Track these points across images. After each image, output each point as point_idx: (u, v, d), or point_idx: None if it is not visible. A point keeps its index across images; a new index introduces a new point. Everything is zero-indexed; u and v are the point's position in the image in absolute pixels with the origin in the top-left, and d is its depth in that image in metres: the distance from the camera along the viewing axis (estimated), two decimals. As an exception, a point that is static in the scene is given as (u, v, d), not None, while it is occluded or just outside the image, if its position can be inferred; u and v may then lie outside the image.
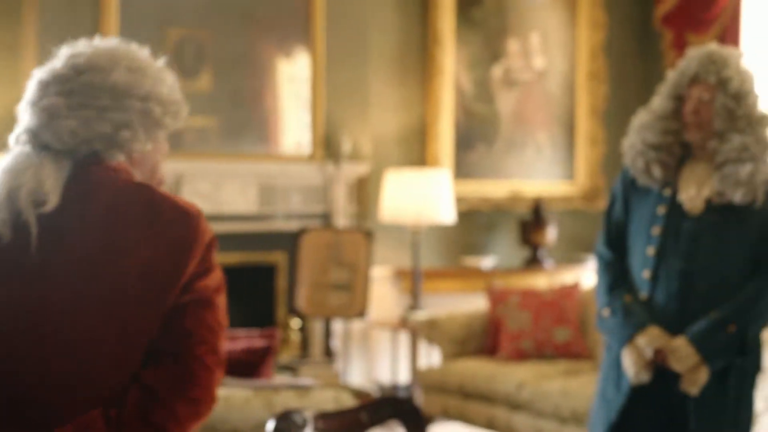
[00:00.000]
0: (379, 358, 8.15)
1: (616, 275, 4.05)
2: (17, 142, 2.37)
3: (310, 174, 7.94)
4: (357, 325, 7.96)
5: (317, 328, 7.92)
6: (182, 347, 2.31)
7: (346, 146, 7.95)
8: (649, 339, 3.83)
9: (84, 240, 2.28)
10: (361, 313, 7.18)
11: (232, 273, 7.80)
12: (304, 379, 5.83)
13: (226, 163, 7.61)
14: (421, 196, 7.50)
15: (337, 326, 7.76)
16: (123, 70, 2.36)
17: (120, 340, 2.27)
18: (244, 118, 7.73)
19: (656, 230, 3.92)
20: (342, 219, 7.95)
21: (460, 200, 8.41)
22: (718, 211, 3.87)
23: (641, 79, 9.28)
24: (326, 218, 8.00)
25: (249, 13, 7.69)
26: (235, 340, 4.79)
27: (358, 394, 6.16)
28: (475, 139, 8.78)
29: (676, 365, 3.78)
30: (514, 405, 6.20)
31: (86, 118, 2.31)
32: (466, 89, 8.70)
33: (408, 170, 7.80)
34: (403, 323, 7.63)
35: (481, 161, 8.80)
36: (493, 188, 8.80)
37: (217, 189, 7.60)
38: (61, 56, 2.39)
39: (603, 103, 9.28)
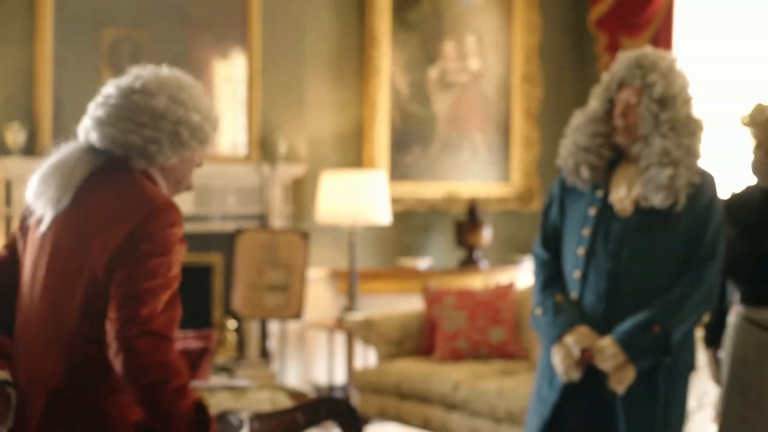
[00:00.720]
0: (316, 359, 8.16)
1: (550, 275, 4.10)
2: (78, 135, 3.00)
3: (247, 175, 7.93)
4: (293, 325, 7.96)
5: (253, 329, 7.91)
6: None
7: (282, 147, 7.95)
8: (577, 338, 3.89)
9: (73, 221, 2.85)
10: (297, 314, 7.19)
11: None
12: (241, 380, 5.83)
13: (162, 164, 7.58)
14: (358, 197, 7.52)
15: (274, 327, 7.77)
16: (165, 97, 2.90)
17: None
18: (180, 118, 7.70)
19: (587, 231, 3.97)
20: (278, 220, 7.95)
21: (396, 201, 8.44)
22: (646, 213, 3.91)
23: (576, 81, 9.36)
24: (262, 219, 7.99)
25: (185, 13, 7.66)
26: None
27: (294, 394, 6.17)
28: (412, 141, 8.81)
29: (602, 364, 3.83)
30: (450, 405, 6.23)
31: (125, 129, 2.88)
32: (403, 91, 8.74)
33: (344, 171, 7.82)
34: (340, 324, 7.65)
35: (418, 162, 8.83)
36: (429, 189, 8.84)
37: (153, 190, 7.57)
38: (129, 74, 2.97)
39: (538, 105, 9.35)
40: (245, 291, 7.28)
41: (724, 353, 4.23)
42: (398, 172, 8.72)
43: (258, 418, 3.12)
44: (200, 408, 2.75)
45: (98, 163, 2.92)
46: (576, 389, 3.96)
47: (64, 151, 2.96)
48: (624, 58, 3.99)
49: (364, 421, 6.66)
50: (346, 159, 8.36)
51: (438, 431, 6.30)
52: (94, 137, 2.93)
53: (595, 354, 3.85)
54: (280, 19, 8.08)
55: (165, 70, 3.01)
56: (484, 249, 8.83)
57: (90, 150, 2.94)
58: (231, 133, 7.95)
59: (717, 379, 4.34)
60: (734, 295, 4.23)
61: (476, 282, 8.38)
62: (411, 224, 8.86)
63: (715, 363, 4.33)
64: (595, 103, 4.04)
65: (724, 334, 4.26)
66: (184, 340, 5.28)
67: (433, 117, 8.90)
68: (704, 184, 3.92)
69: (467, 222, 8.74)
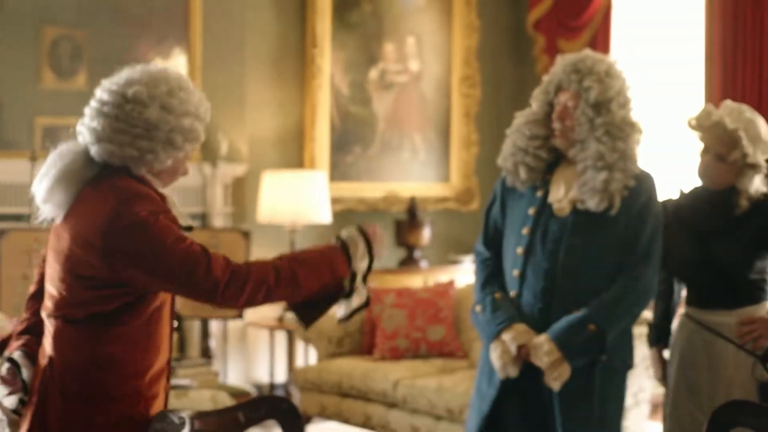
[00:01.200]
0: (257, 358, 8.17)
1: (490, 273, 4.14)
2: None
3: (188, 174, 7.91)
4: (234, 325, 7.97)
5: (194, 328, 7.90)
6: None
7: (223, 147, 7.96)
8: (514, 335, 3.94)
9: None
10: (238, 313, 7.19)
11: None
12: (182, 380, 5.83)
13: (103, 163, 7.56)
14: (298, 197, 7.54)
15: (215, 326, 7.77)
16: (157, 107, 3.05)
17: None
18: (122, 118, 7.68)
19: (525, 230, 4.02)
20: (219, 219, 7.95)
21: (336, 201, 8.47)
22: (583, 213, 3.96)
23: (514, 83, 9.44)
24: (204, 219, 8.00)
25: (126, 12, 7.64)
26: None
27: (235, 393, 6.19)
28: (352, 141, 8.84)
29: (538, 361, 3.88)
30: (390, 403, 6.27)
31: (121, 142, 3.04)
32: (343, 91, 8.77)
33: (285, 171, 7.84)
34: (280, 323, 7.66)
35: (358, 163, 8.86)
36: (369, 189, 8.88)
37: (93, 189, 7.55)
38: (120, 76, 3.16)
39: (476, 107, 9.42)
40: (186, 290, 7.27)
41: (669, 353, 4.25)
42: (338, 172, 8.75)
43: (199, 417, 3.11)
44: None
45: (96, 170, 3.10)
46: (514, 385, 4.01)
47: (66, 156, 3.12)
48: (562, 62, 4.04)
49: (305, 419, 6.68)
50: (287, 159, 8.38)
51: (378, 429, 6.34)
52: (93, 151, 3.08)
53: (531, 351, 3.90)
54: (220, 19, 8.08)
55: (154, 71, 3.14)
56: (423, 249, 8.87)
57: (90, 161, 3.10)
58: (172, 132, 7.93)
59: (661, 377, 4.35)
60: (680, 295, 4.27)
61: (416, 281, 8.42)
62: (351, 224, 8.85)
63: (660, 362, 4.34)
64: (534, 105, 4.09)
65: (670, 333, 4.28)
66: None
67: (373, 117, 8.94)
68: (641, 185, 3.97)
69: (407, 222, 8.78)
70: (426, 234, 8.78)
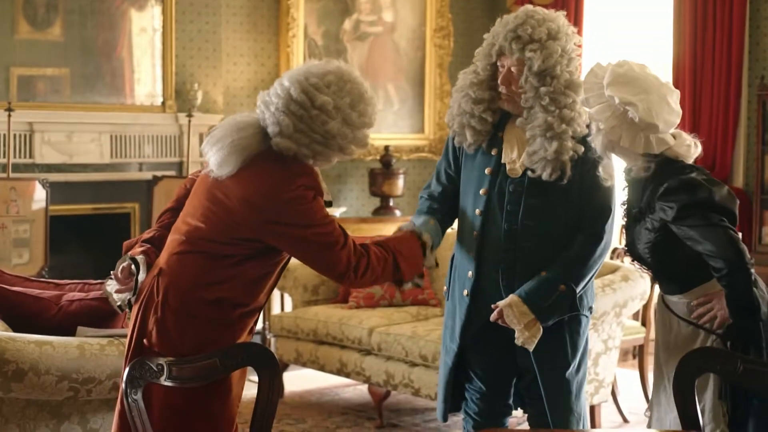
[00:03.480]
0: (233, 306, 8.22)
1: (430, 207, 4.12)
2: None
3: (163, 124, 7.95)
4: (211, 273, 8.01)
5: (171, 277, 7.96)
6: None
7: (198, 97, 7.98)
8: (414, 227, 3.97)
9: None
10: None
11: (86, 222, 7.82)
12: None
13: (79, 114, 7.58)
14: (274, 147, 7.56)
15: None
16: (339, 120, 3.41)
17: None
18: (96, 68, 7.69)
19: (483, 191, 3.98)
20: (195, 168, 7.99)
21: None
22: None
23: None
24: (180, 167, 8.04)
25: (100, -37, 7.64)
26: (89, 290, 4.82)
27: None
28: (327, 91, 8.86)
29: (511, 323, 3.86)
30: (365, 350, 6.35)
31: (299, 142, 3.38)
32: (317, 42, 8.78)
33: (260, 121, 7.86)
34: (257, 271, 7.71)
35: (333, 112, 8.89)
36: (344, 139, 8.91)
37: (70, 139, 7.57)
38: (314, 73, 3.45)
39: (450, 57, 9.45)
40: (163, 240, 7.32)
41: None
42: (314, 122, 8.77)
43: (177, 363, 3.17)
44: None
45: (268, 144, 3.42)
46: (477, 337, 4.06)
47: (244, 129, 3.44)
48: (503, 24, 3.93)
49: (282, 366, 6.76)
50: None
51: (353, 375, 6.41)
52: (272, 141, 3.40)
53: (504, 310, 3.87)
54: (195, -31, 8.09)
55: (344, 77, 3.45)
56: (397, 198, 8.93)
57: (264, 138, 3.42)
58: (147, 83, 7.95)
59: None
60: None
61: (390, 230, 8.45)
62: (325, 173, 8.91)
63: None
64: (478, 66, 4.01)
65: None
66: (103, 288, 5.33)
67: (347, 68, 8.95)
68: (590, 147, 3.89)
69: (381, 171, 8.84)
70: (400, 183, 8.84)
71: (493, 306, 3.91)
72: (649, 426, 4.01)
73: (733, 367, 3.22)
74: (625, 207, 3.91)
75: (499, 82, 3.93)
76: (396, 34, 9.24)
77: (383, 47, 9.17)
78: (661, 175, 3.70)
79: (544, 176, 3.87)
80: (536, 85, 3.85)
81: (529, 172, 3.92)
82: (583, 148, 3.86)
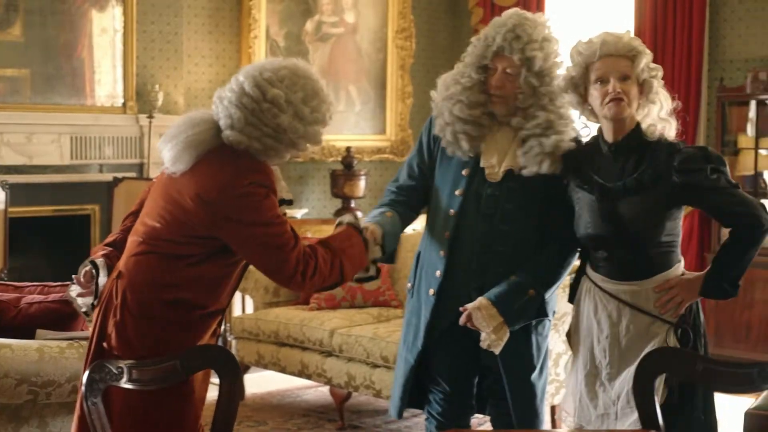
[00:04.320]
0: (194, 308, 8.20)
1: (393, 200, 4.11)
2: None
3: (124, 125, 7.92)
4: (172, 275, 7.98)
5: (132, 278, 7.93)
6: None
7: (159, 98, 7.96)
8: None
9: None
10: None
11: (46, 224, 7.77)
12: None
13: (39, 115, 7.54)
14: (235, 148, 7.55)
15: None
16: (291, 114, 3.38)
17: None
18: (57, 69, 7.66)
19: (459, 192, 3.98)
20: (156, 170, 7.96)
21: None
22: (517, 179, 3.93)
23: (449, 35, 9.50)
24: (141, 169, 8.01)
25: (61, -37, 7.60)
26: (49, 292, 4.80)
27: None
28: (289, 92, 8.86)
29: (479, 325, 3.85)
30: (327, 351, 6.34)
31: (250, 135, 3.36)
32: (279, 43, 8.78)
33: (222, 122, 7.84)
34: (218, 273, 7.68)
35: (294, 114, 8.89)
36: (305, 140, 8.91)
37: (29, 140, 7.53)
38: (268, 69, 3.42)
39: (412, 59, 9.46)
40: (123, 241, 7.29)
41: (573, 317, 4.05)
42: (275, 123, 8.77)
43: (137, 366, 3.15)
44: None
45: (222, 140, 3.40)
46: (441, 337, 4.06)
47: (198, 125, 3.43)
48: (499, 25, 3.91)
49: (243, 368, 6.74)
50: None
51: (315, 377, 6.40)
52: (223, 133, 3.38)
53: (473, 313, 3.86)
54: (156, -30, 8.06)
55: (298, 72, 3.44)
56: (359, 199, 8.94)
57: (218, 133, 3.41)
58: (108, 84, 7.92)
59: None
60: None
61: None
62: (286, 174, 8.93)
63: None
64: (466, 70, 3.98)
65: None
66: (62, 291, 5.31)
67: (309, 69, 8.95)
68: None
69: (343, 173, 8.84)
70: (362, 184, 8.84)
71: (461, 309, 3.90)
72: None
73: (692, 367, 3.24)
74: (597, 187, 3.80)
75: (493, 83, 3.90)
76: (358, 35, 9.25)
77: (345, 48, 9.17)
78: (664, 147, 3.72)
79: (543, 169, 3.86)
80: (536, 84, 3.86)
81: (524, 171, 3.90)
82: (575, 144, 3.88)
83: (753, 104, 7.93)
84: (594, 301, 3.88)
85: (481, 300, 3.89)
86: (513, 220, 3.94)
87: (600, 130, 3.84)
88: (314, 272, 3.47)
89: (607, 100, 3.68)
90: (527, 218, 3.95)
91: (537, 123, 3.87)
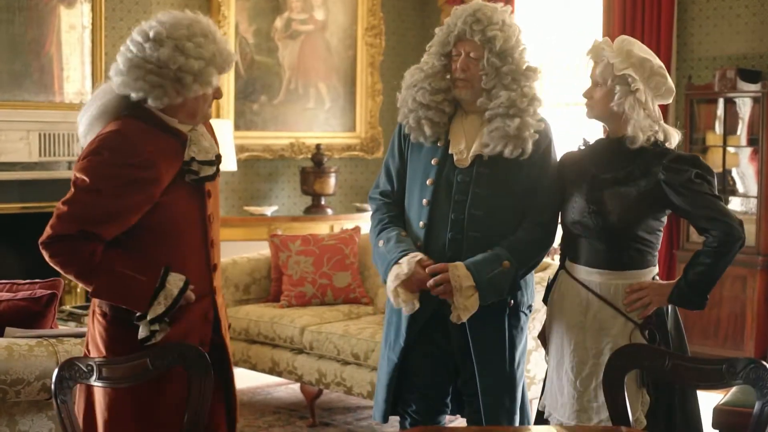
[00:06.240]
0: (164, 306, 8.17)
1: (390, 215, 4.15)
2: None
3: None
4: (141, 273, 7.95)
5: (101, 276, 7.89)
6: None
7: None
8: (413, 256, 3.94)
9: None
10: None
11: (14, 222, 7.72)
12: (89, 328, 5.82)
13: (6, 111, 7.49)
14: (205, 146, 7.53)
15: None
16: (170, 47, 3.26)
17: None
18: (25, 66, 7.61)
19: (430, 181, 4.03)
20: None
21: (242, 149, 8.49)
22: (486, 164, 3.99)
23: (419, 33, 9.51)
24: (111, 166, 7.97)
25: (29, -41, 7.56)
26: (18, 290, 4.77)
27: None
28: (257, 90, 8.85)
29: (454, 280, 3.87)
30: (297, 348, 6.33)
31: (135, 76, 3.26)
32: (249, 40, 8.76)
33: (191, 119, 7.83)
34: (188, 271, 7.66)
35: (263, 111, 8.89)
36: (275, 138, 8.91)
37: (-3, 137, 7.49)
38: (154, 19, 3.34)
39: (381, 56, 9.47)
40: (92, 239, 7.26)
41: (548, 309, 4.14)
42: (244, 120, 8.77)
43: (107, 364, 3.15)
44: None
45: (122, 106, 3.35)
46: (422, 336, 4.08)
47: (104, 96, 3.39)
48: (460, 12, 4.01)
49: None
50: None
51: (285, 374, 6.40)
52: (114, 84, 3.34)
53: (450, 270, 3.88)
54: (125, -33, 8.03)
55: (182, 18, 3.37)
56: (329, 196, 8.93)
57: (117, 96, 3.35)
58: (77, 80, 7.88)
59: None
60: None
61: (322, 228, 8.49)
62: (257, 172, 8.92)
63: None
64: (429, 58, 4.07)
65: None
66: (32, 288, 5.28)
67: (278, 66, 8.95)
68: (543, 130, 4.02)
69: (313, 170, 8.84)
70: (332, 182, 8.84)
71: (432, 269, 3.91)
72: (544, 414, 4.03)
73: (662, 364, 3.26)
74: (589, 176, 3.92)
75: (457, 67, 3.99)
76: (327, 32, 9.24)
77: (315, 46, 9.16)
78: (658, 146, 3.85)
79: (507, 153, 3.93)
80: (498, 65, 3.94)
81: (485, 151, 3.96)
82: (543, 125, 3.95)
83: (721, 102, 7.98)
84: (566, 290, 3.96)
85: (455, 263, 3.92)
86: (485, 206, 3.99)
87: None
88: (63, 263, 3.30)
89: None
90: (499, 203, 4.00)
91: (500, 102, 3.95)
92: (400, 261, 3.96)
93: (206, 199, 3.48)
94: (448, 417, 4.38)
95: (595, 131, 4.06)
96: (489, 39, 3.94)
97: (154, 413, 3.35)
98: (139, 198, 3.27)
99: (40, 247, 3.31)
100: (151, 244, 3.35)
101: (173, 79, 3.29)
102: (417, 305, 3.97)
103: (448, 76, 4.05)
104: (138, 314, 3.31)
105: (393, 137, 4.24)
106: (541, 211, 4.02)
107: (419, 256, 3.95)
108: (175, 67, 3.27)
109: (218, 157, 3.54)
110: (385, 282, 4.05)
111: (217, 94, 3.47)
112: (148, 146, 3.29)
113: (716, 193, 3.78)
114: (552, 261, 6.22)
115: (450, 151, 4.04)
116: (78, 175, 3.29)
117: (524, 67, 4.01)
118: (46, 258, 3.29)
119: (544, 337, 4.15)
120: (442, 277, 3.91)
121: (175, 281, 3.32)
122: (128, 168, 3.24)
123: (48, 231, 3.29)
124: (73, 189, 3.32)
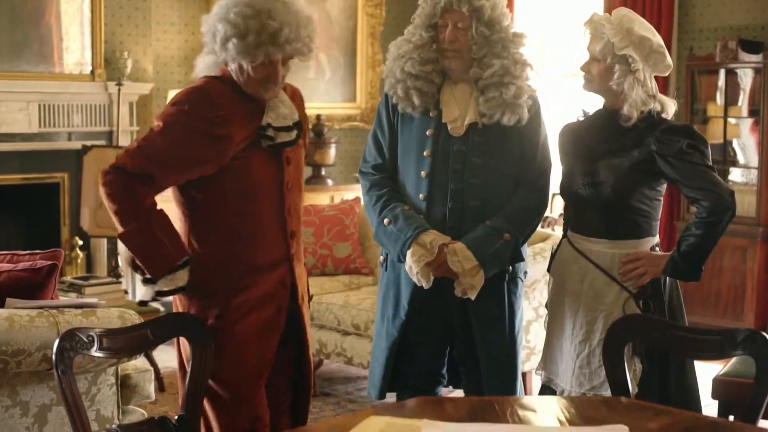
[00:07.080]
0: (165, 276, 8.18)
1: (388, 190, 4.15)
2: None
3: (93, 93, 7.87)
4: (142, 243, 7.96)
5: (102, 247, 7.90)
6: None
7: (128, 66, 7.91)
8: (434, 236, 3.95)
9: None
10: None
11: (14, 192, 7.73)
12: (90, 298, 5.83)
13: (6, 82, 7.48)
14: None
15: (122, 246, 7.75)
16: (218, 18, 3.37)
17: None
18: (24, 36, 7.59)
19: (427, 152, 4.03)
20: (125, 137, 7.93)
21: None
22: (481, 132, 4.00)
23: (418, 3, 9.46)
24: (110, 137, 7.96)
25: (27, -71, 7.53)
26: (18, 261, 4.77)
27: (143, 311, 6.22)
28: (258, 60, 8.83)
29: (454, 267, 3.91)
30: (297, 319, 6.34)
31: (207, 51, 3.48)
32: (249, 10, 8.73)
33: (191, 90, 7.81)
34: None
35: (264, 81, 8.86)
36: (276, 108, 8.89)
37: (-4, 108, 7.48)
38: None
39: (382, 27, 9.44)
40: (93, 210, 7.27)
41: (550, 278, 4.16)
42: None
43: (108, 334, 3.13)
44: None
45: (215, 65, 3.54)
46: (420, 309, 4.09)
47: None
48: None
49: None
50: (192, 78, 8.34)
51: (285, 345, 6.41)
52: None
53: (448, 256, 3.91)
54: (124, -64, 8.00)
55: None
56: (329, 167, 8.92)
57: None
58: (76, 51, 7.86)
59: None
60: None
61: (322, 199, 8.48)
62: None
63: None
64: (416, 30, 4.08)
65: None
66: (32, 259, 5.29)
67: (279, 36, 8.92)
68: (533, 95, 4.05)
69: (313, 140, 8.82)
70: (332, 152, 8.83)
71: (439, 244, 3.93)
72: (548, 382, 4.05)
73: (662, 334, 3.26)
74: (582, 148, 3.95)
75: (446, 38, 3.99)
76: (328, 3, 9.21)
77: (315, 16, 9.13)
78: (652, 116, 3.84)
79: (504, 121, 3.96)
80: (487, 33, 3.95)
81: (484, 120, 3.98)
82: (535, 91, 3.97)
83: (722, 73, 7.96)
84: (566, 259, 3.98)
85: (456, 243, 3.94)
86: (483, 174, 4.00)
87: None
88: (108, 192, 3.40)
89: None
90: (495, 171, 4.01)
91: (493, 71, 3.96)
92: (421, 242, 3.96)
93: (284, 165, 3.52)
94: (444, 390, 4.39)
95: (594, 103, 4.03)
96: (476, 9, 3.94)
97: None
98: (207, 152, 3.37)
99: (100, 174, 3.42)
100: (224, 206, 3.45)
101: (220, 50, 3.42)
102: (428, 283, 3.99)
103: (434, 47, 4.04)
104: (147, 276, 3.46)
105: (379, 109, 4.23)
106: (539, 178, 4.05)
107: (440, 239, 3.95)
108: (228, 43, 3.37)
109: (297, 124, 3.57)
110: (398, 260, 4.06)
111: (277, 66, 3.50)
112: (226, 105, 3.40)
113: (709, 163, 3.77)
114: (552, 232, 6.22)
115: (444, 120, 4.04)
116: (157, 120, 3.41)
117: (512, 34, 4.02)
118: (100, 185, 3.40)
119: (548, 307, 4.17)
120: (443, 271, 3.95)
121: (182, 276, 3.47)
122: (203, 122, 3.36)
123: (113, 161, 3.38)
124: (149, 131, 3.43)
